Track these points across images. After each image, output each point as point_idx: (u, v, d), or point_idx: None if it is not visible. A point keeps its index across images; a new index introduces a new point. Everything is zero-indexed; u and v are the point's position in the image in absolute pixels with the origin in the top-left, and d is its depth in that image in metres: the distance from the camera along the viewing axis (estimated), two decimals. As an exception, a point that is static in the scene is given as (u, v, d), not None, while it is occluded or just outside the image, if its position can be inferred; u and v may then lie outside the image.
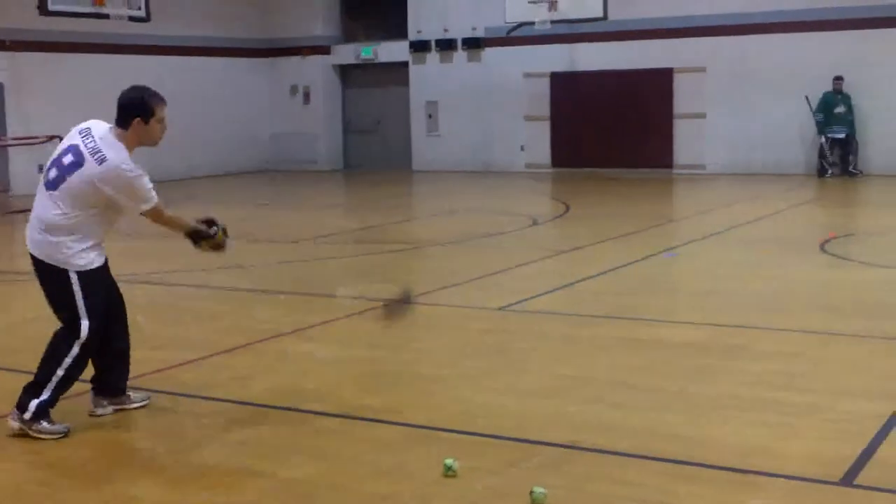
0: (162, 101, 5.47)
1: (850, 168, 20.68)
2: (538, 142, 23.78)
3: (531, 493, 4.36)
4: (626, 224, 14.01)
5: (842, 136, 20.56)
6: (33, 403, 5.34)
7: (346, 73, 26.35)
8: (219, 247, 5.78)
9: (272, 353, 7.32)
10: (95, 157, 5.25)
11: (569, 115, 23.36)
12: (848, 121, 20.51)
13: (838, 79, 20.45)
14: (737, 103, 21.70)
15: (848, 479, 4.60)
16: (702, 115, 22.17)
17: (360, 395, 6.17)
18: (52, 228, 5.32)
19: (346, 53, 25.95)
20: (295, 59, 26.09)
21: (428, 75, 24.97)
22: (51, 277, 5.41)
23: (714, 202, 17.51)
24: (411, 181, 23.38)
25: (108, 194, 5.28)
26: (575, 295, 9.32)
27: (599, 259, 11.07)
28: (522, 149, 23.98)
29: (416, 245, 13.15)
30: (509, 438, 5.28)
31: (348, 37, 26.12)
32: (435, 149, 25.02)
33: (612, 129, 22.86)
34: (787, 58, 21.12)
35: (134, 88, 5.49)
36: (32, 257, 5.45)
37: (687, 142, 22.42)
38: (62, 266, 5.34)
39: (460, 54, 24.61)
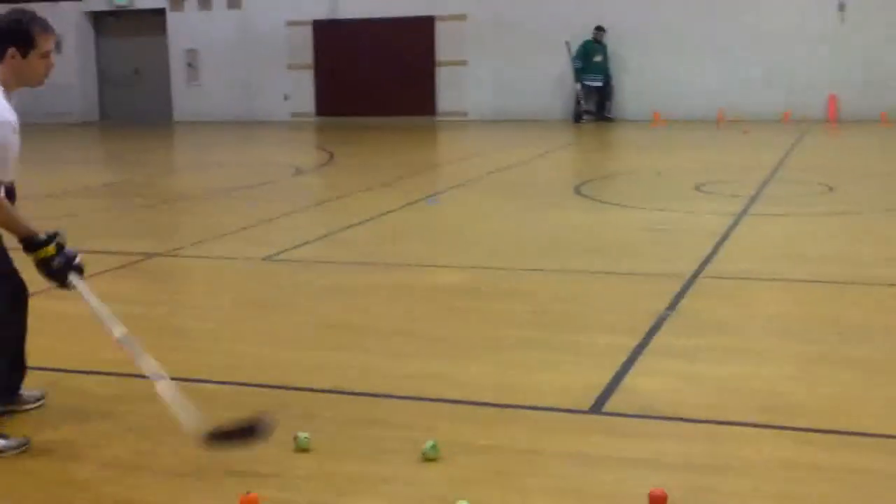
0: (47, 30, 4.36)
1: (605, 114, 21.59)
2: (302, 91, 23.64)
3: (295, 438, 4.38)
4: (390, 171, 14.13)
5: (599, 83, 21.39)
6: None
7: (100, 20, 25.34)
8: (44, 265, 4.47)
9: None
10: None
11: (332, 64, 23.31)
12: (605, 69, 21.34)
13: (599, 29, 21.16)
14: (498, 51, 22.17)
15: (596, 408, 4.85)
16: (463, 63, 22.55)
17: (119, 351, 6.00)
18: None
19: (99, 0, 24.92)
20: (42, 6, 24.81)
21: (187, 23, 24.35)
22: None
23: (476, 148, 17.88)
24: (172, 132, 22.79)
25: None
26: (340, 243, 9.35)
27: (364, 207, 11.13)
28: (286, 98, 23.77)
29: (177, 197, 12.85)
30: (273, 386, 5.27)
31: (100, -18, 25.10)
32: (196, 99, 24.46)
33: (376, 77, 22.96)
34: (547, 6, 21.70)
35: (13, 11, 4.36)
36: None
37: (449, 89, 22.79)
38: None
39: (220, 1, 24.07)
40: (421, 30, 22.69)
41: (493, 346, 5.92)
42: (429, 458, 4.24)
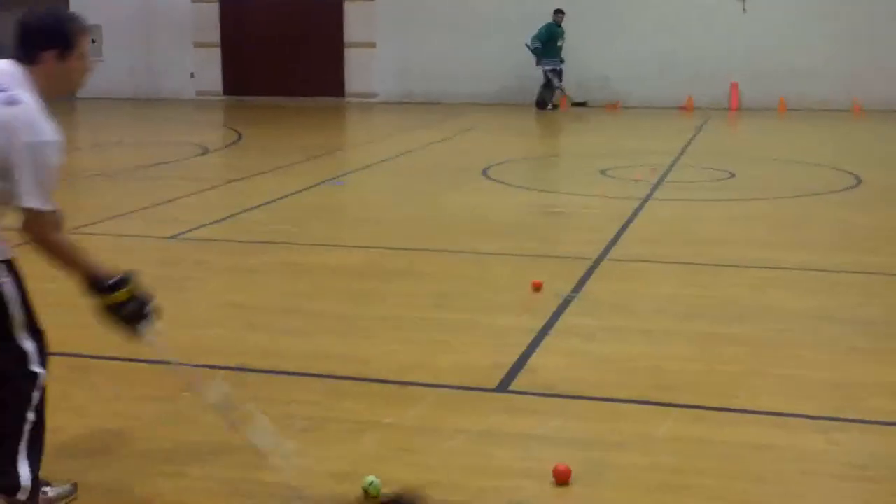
0: (84, 29, 3.82)
1: (554, 101, 20.97)
2: (209, 69, 23.31)
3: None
4: (297, 152, 14.05)
5: (559, 67, 20.75)
6: (23, 476, 3.61)
7: (-2, -8, 24.64)
8: (113, 312, 3.80)
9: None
10: (2, 94, 3.55)
11: (240, 42, 23.01)
12: (560, 54, 20.75)
13: (559, 12, 20.70)
14: (407, 33, 22.09)
15: (503, 386, 4.92)
16: (372, 45, 22.45)
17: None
18: None
19: (-4, -29, 24.25)
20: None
21: (89, -3, 23.76)
22: None
23: (383, 131, 17.85)
24: (74, 109, 22.31)
25: (4, 155, 3.51)
26: (243, 223, 9.28)
27: (270, 187, 11.06)
28: (192, 76, 23.42)
29: (79, 175, 12.61)
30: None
31: (-2, -47, 24.40)
32: (99, 75, 23.76)
33: (285, 56, 22.74)
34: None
35: (46, 9, 3.80)
36: None
37: (358, 71, 22.66)
38: None
39: (124, -25, 23.60)
40: (329, 10, 22.53)
41: (398, 326, 5.96)
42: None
